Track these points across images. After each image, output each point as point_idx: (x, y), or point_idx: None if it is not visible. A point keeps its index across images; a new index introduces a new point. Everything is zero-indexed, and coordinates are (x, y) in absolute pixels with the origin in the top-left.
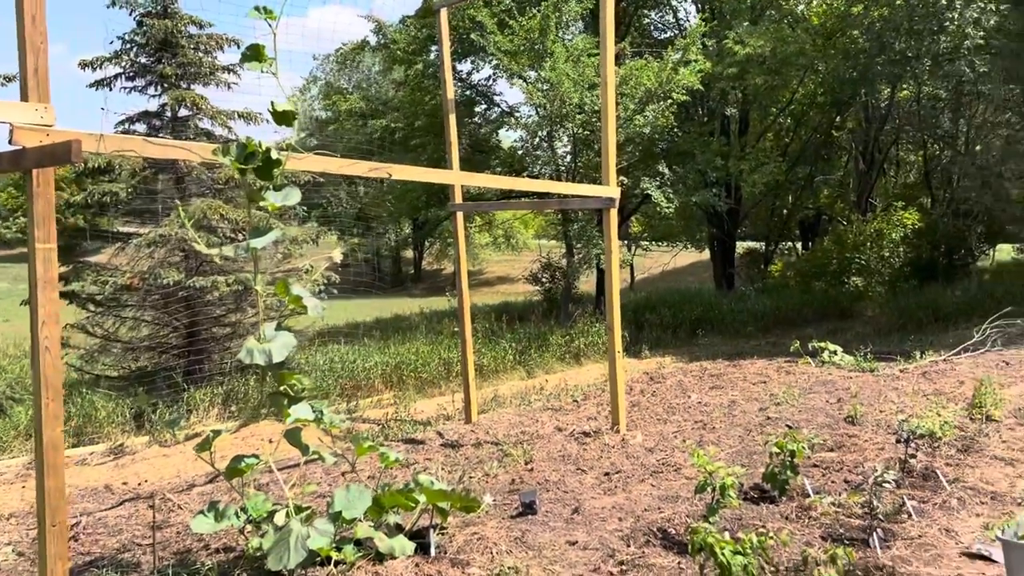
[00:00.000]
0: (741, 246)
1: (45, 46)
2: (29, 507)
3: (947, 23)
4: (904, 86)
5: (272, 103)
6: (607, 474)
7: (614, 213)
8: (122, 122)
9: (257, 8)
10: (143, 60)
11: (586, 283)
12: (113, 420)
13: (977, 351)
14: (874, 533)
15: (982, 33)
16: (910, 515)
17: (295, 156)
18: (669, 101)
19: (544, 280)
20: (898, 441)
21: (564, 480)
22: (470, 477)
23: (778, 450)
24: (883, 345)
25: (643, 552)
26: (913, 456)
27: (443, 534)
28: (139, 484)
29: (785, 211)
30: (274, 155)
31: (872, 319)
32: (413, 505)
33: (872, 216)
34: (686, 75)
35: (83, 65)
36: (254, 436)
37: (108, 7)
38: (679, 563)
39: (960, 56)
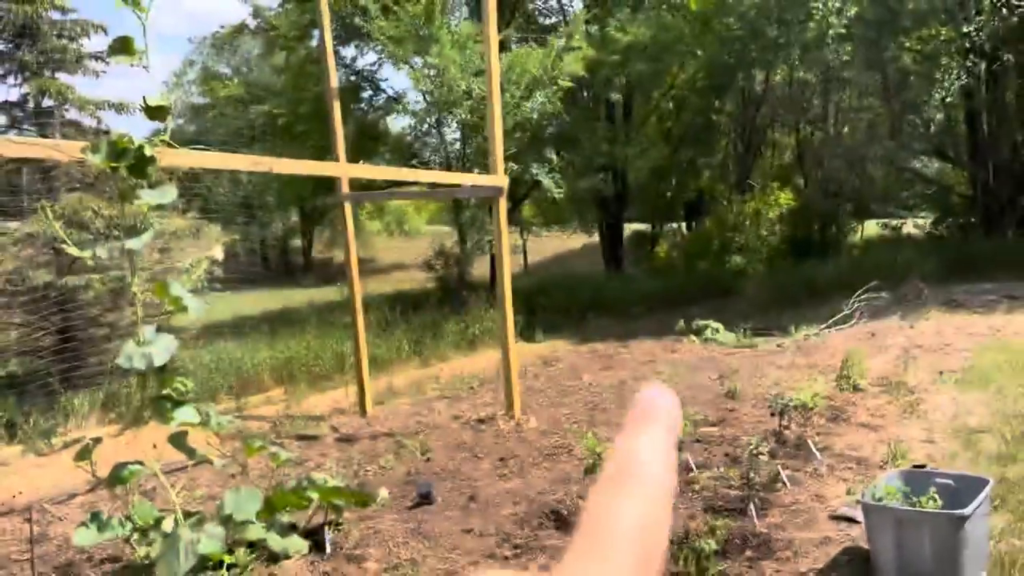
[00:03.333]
0: (629, 228)
1: None
2: None
3: (813, 11)
4: (777, 71)
5: (144, 98)
6: (503, 459)
7: (503, 202)
8: None
9: None
10: (0, 47)
11: (479, 269)
12: None
13: (847, 324)
14: (751, 503)
15: (844, 22)
16: (784, 484)
17: (171, 152)
18: (556, 87)
19: (438, 267)
20: (773, 414)
21: (460, 468)
22: (366, 471)
23: None
24: (763, 321)
25: (536, 534)
26: (787, 428)
27: (339, 530)
28: (13, 497)
29: (669, 194)
30: (148, 152)
31: (752, 296)
32: (306, 504)
33: (750, 196)
34: (570, 62)
35: None
36: (138, 441)
37: None
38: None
39: (825, 44)
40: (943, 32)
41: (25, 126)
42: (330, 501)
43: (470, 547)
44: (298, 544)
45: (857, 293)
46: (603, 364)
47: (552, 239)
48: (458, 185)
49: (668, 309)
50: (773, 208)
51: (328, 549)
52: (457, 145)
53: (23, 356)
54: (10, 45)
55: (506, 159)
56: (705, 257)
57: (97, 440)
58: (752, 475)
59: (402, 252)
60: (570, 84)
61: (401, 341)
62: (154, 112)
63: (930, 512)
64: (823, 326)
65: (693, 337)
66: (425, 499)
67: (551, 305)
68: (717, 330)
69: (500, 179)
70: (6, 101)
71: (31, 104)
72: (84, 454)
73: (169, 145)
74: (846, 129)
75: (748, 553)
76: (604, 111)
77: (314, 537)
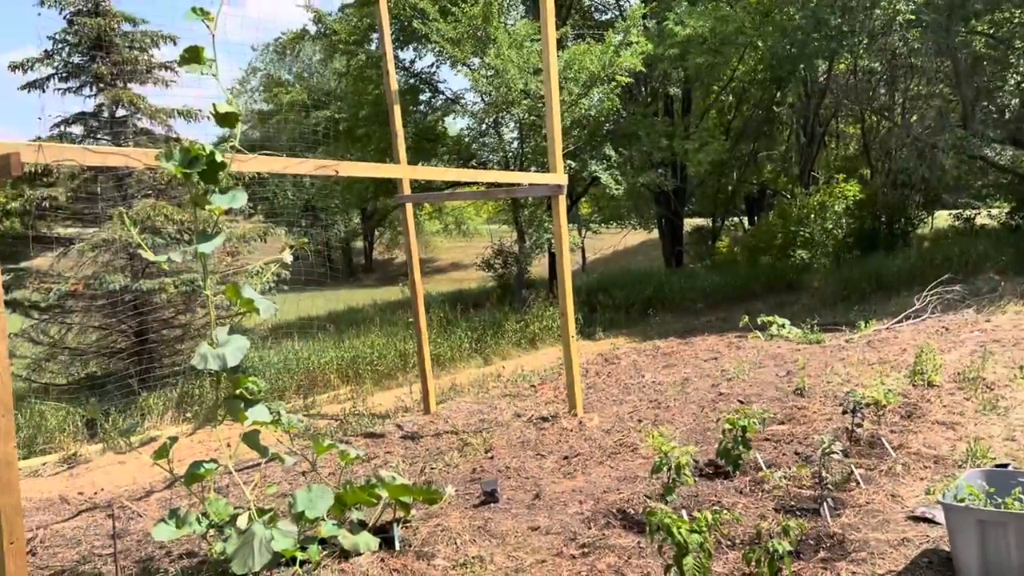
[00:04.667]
0: (689, 224)
1: None
2: None
3: None
4: (841, 60)
5: (214, 105)
6: (566, 458)
7: (562, 200)
8: (57, 124)
9: (194, 9)
10: (76, 60)
11: (539, 267)
12: (64, 429)
13: (918, 318)
14: (824, 503)
15: (912, 8)
16: (858, 483)
17: (240, 158)
18: (613, 83)
19: (497, 266)
20: (844, 411)
21: (524, 466)
22: (431, 468)
23: (730, 426)
24: (829, 316)
25: (604, 534)
26: (859, 425)
27: (407, 527)
28: (95, 493)
29: (730, 187)
30: (218, 158)
31: (818, 291)
32: (375, 501)
33: (815, 189)
34: (628, 57)
35: (13, 67)
36: (212, 439)
37: (36, 5)
38: (639, 542)
39: (893, 31)
40: (1017, 15)
41: (100, 135)
42: (398, 498)
43: (536, 545)
44: (368, 541)
45: (930, 286)
46: (665, 361)
47: (611, 236)
48: (517, 184)
49: (731, 305)
50: (839, 200)
51: (397, 546)
52: (515, 144)
53: (102, 357)
54: (85, 58)
55: (564, 157)
56: (768, 252)
57: (174, 439)
58: (824, 474)
59: (462, 252)
60: (628, 80)
61: (462, 340)
62: (223, 119)
63: (1016, 513)
64: (893, 321)
65: (758, 333)
66: (490, 497)
67: (611, 302)
68: (783, 325)
69: (559, 177)
70: (82, 112)
71: (105, 114)
72: (162, 452)
73: (238, 151)
74: (914, 118)
75: (822, 554)
76: (662, 106)
77: (383, 534)
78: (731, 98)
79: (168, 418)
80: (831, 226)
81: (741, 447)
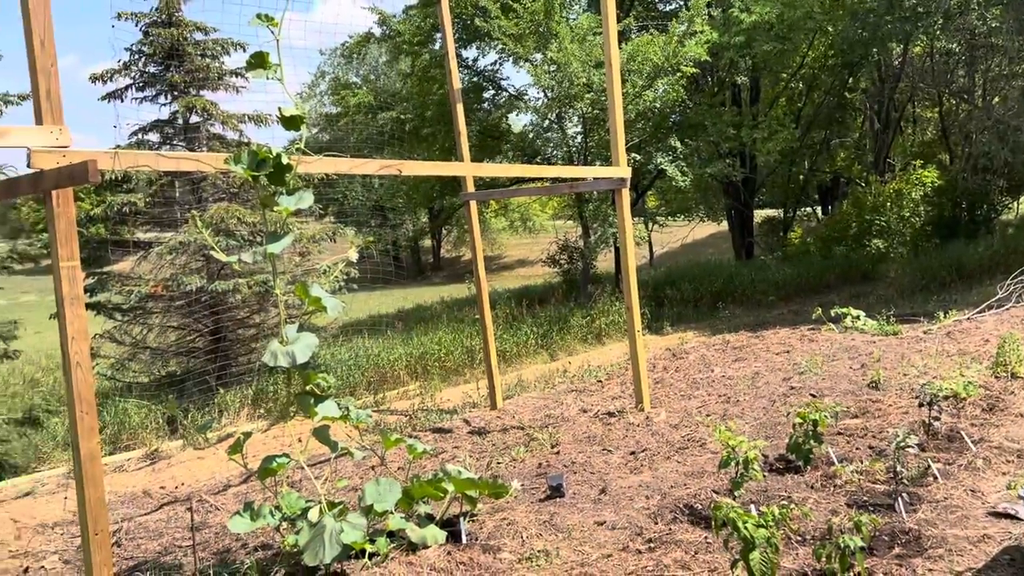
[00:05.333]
0: (759, 215)
1: (55, 70)
2: (72, 516)
3: None
4: (916, 43)
5: (280, 109)
6: (633, 453)
7: (626, 193)
8: (135, 132)
9: (259, 16)
10: (152, 69)
11: (604, 262)
12: (147, 426)
13: (1002, 308)
14: (899, 498)
15: None
16: (935, 478)
17: (306, 159)
18: (678, 74)
19: (562, 261)
20: (921, 404)
21: (590, 461)
22: (498, 463)
23: (801, 420)
24: (906, 307)
25: (670, 529)
26: (937, 418)
27: (474, 521)
28: (176, 487)
29: (802, 177)
30: (285, 160)
31: (894, 281)
32: (442, 495)
33: (891, 176)
34: (692, 47)
35: (93, 79)
36: (285, 434)
37: (114, 19)
38: (706, 537)
39: (971, 10)
40: None
41: (175, 142)
42: (465, 492)
43: (602, 540)
44: (436, 534)
45: (1014, 274)
46: (735, 355)
47: (678, 229)
48: (580, 179)
49: (803, 297)
50: (916, 187)
51: (464, 539)
52: (579, 139)
53: (181, 357)
54: (160, 67)
55: (629, 150)
56: (843, 242)
57: (247, 435)
58: (899, 468)
59: (528, 249)
60: (693, 70)
61: (528, 336)
62: (289, 122)
63: None
64: (975, 310)
65: (831, 325)
66: (556, 491)
67: (679, 296)
68: (857, 317)
69: (623, 170)
70: (158, 120)
71: (180, 121)
72: (236, 448)
73: (304, 153)
74: (996, 99)
75: (897, 550)
76: (729, 95)
77: (450, 528)
78: (801, 85)
79: (244, 414)
80: (908, 214)
81: (812, 441)
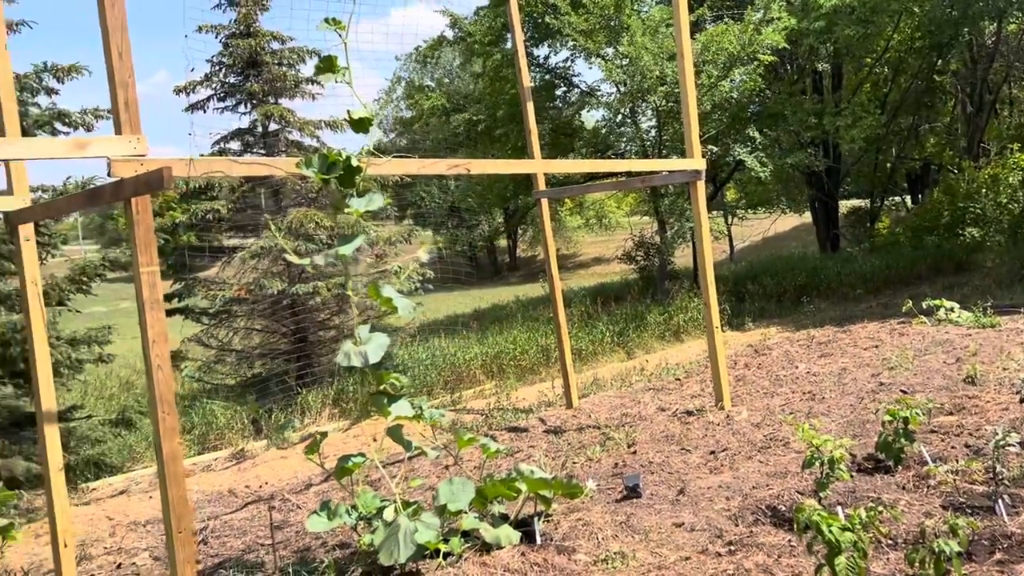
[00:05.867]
0: (844, 205)
1: (133, 80)
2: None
3: None
4: (1011, 20)
5: (348, 111)
6: (712, 452)
7: (701, 185)
8: (217, 142)
9: (327, 20)
10: (231, 80)
11: (682, 258)
12: (232, 426)
13: None
14: (1000, 499)
15: None
16: None
17: (375, 161)
18: (755, 63)
19: (638, 258)
20: (1022, 400)
21: (668, 461)
22: (573, 462)
23: (891, 418)
24: (1005, 298)
25: (752, 531)
26: None
27: (548, 521)
28: (260, 486)
29: (889, 165)
30: (354, 162)
31: (991, 271)
32: (515, 495)
33: (985, 161)
34: (770, 35)
35: (177, 91)
36: (364, 434)
37: (195, 31)
38: (789, 540)
39: None
40: None
41: (255, 149)
42: (538, 492)
43: (680, 542)
44: (510, 534)
45: None
46: (820, 351)
47: (759, 222)
48: (653, 172)
49: (893, 289)
50: (1013, 172)
51: (538, 540)
52: (653, 133)
53: (265, 358)
54: (239, 77)
55: (705, 141)
56: (934, 231)
57: (323, 434)
58: (999, 468)
59: (604, 246)
60: (771, 58)
61: (604, 334)
62: (358, 124)
63: None
64: None
65: (923, 318)
66: (633, 492)
67: (761, 291)
68: (951, 309)
69: (697, 162)
70: (238, 129)
71: (259, 129)
72: (313, 448)
73: (372, 155)
74: None
75: (998, 556)
76: (810, 83)
77: (525, 528)
78: (886, 70)
79: (326, 414)
80: (1005, 200)
81: (903, 440)
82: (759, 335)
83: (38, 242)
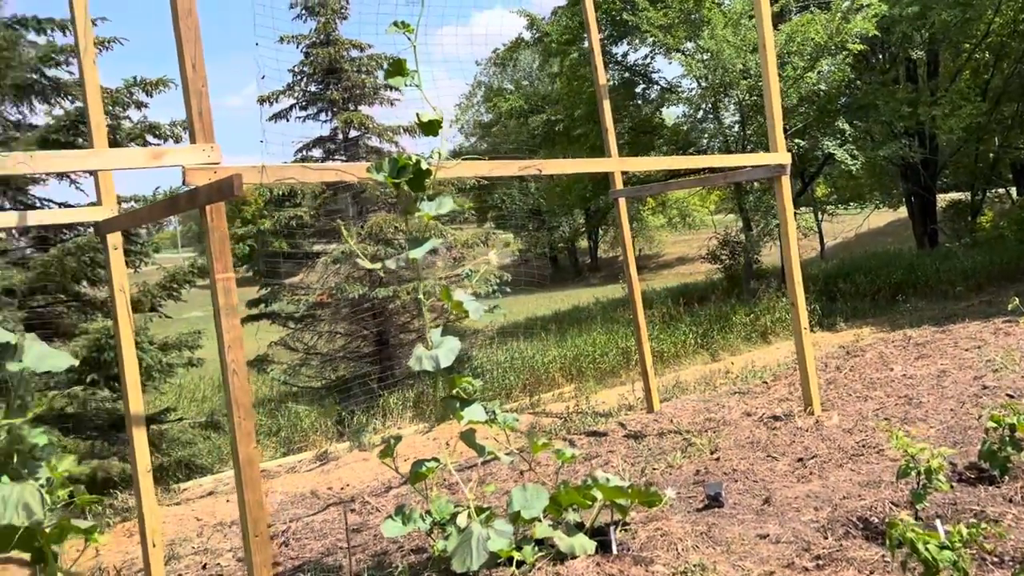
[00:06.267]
0: (943, 199)
1: (206, 90)
2: None
3: None
4: None
5: (418, 115)
6: (800, 460)
7: (786, 180)
8: (300, 149)
9: (395, 23)
10: (312, 88)
11: (769, 256)
12: (317, 428)
13: None
14: None
15: None
16: None
17: (445, 164)
18: (844, 53)
19: (723, 257)
20: None
21: (753, 468)
22: (653, 469)
23: (995, 424)
24: None
25: (842, 545)
26: None
27: (625, 530)
28: (342, 488)
29: (992, 155)
30: (424, 166)
31: None
32: (589, 503)
33: None
34: (859, 22)
35: (261, 101)
36: (445, 436)
37: (278, 42)
38: (883, 556)
39: None
40: None
41: (336, 156)
42: (614, 500)
43: (765, 554)
44: (584, 544)
45: None
46: (918, 352)
47: (851, 218)
48: (736, 168)
49: (997, 287)
50: None
51: (614, 550)
52: (736, 128)
53: (348, 361)
54: (320, 86)
55: (792, 135)
56: None
57: (397, 439)
58: None
59: (687, 245)
60: (861, 47)
61: (686, 335)
62: (428, 127)
63: None
64: None
65: None
66: (715, 501)
67: (853, 290)
68: None
69: (781, 156)
70: (320, 137)
71: (340, 136)
72: (387, 452)
73: (459, 157)
74: None
75: None
76: (903, 71)
77: (600, 537)
78: (987, 55)
79: (407, 417)
80: None
81: (1009, 448)
82: (851, 336)
83: (131, 251)
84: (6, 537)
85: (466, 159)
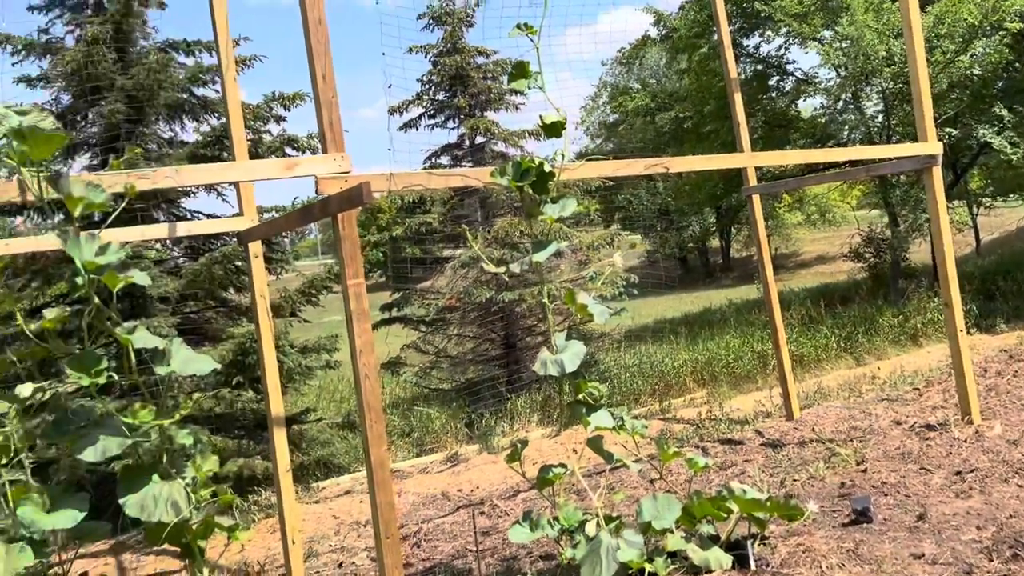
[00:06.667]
0: None
1: (336, 100)
2: None
3: None
4: None
5: (540, 116)
6: (959, 473)
7: (937, 172)
8: (429, 157)
9: (518, 26)
10: (440, 96)
11: (918, 253)
12: (447, 430)
13: None
14: None
15: None
16: None
17: (568, 166)
18: (1001, 33)
19: (867, 255)
20: None
21: (904, 482)
22: (793, 480)
23: None
24: None
25: (1010, 569)
26: None
27: (764, 545)
28: (471, 491)
29: None
30: (546, 168)
31: None
32: (724, 515)
33: None
34: (1018, 0)
35: (391, 111)
36: (572, 441)
37: (407, 52)
38: None
39: None
40: None
41: (464, 163)
42: (751, 513)
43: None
44: (720, 558)
45: None
46: None
47: (1011, 211)
48: (880, 160)
49: None
50: None
51: (752, 565)
52: (880, 118)
53: (477, 364)
54: (448, 94)
55: (942, 124)
56: None
57: (524, 443)
58: None
59: (827, 243)
60: (1020, 26)
61: (828, 338)
62: (550, 128)
63: None
64: None
65: None
66: (862, 516)
67: (1015, 288)
68: None
69: (931, 146)
70: (447, 144)
71: (466, 143)
72: (514, 456)
73: (577, 160)
74: None
75: None
76: None
77: (737, 551)
78: None
79: (535, 420)
80: None
81: None
82: (1014, 338)
83: (272, 258)
84: (157, 532)
85: (590, 159)
